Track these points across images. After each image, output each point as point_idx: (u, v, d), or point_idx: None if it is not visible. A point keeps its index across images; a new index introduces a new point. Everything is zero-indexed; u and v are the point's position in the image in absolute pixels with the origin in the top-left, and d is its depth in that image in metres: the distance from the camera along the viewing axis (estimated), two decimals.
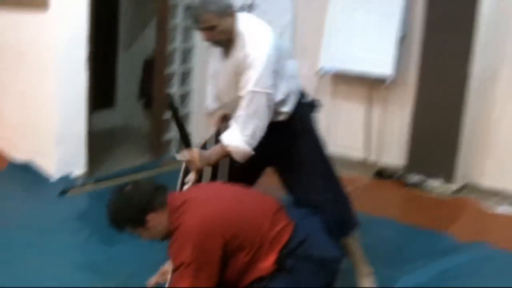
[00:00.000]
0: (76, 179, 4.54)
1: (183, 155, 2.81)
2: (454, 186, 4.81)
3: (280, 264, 2.54)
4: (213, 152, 2.83)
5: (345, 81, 5.41)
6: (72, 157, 4.58)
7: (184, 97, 5.66)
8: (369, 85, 5.18)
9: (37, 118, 4.61)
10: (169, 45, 5.45)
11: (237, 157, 2.77)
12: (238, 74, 2.75)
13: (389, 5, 4.98)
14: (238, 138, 2.73)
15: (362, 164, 5.28)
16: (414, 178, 4.92)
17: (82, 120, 4.60)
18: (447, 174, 4.84)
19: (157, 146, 5.43)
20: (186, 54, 5.63)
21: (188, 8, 5.28)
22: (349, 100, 5.46)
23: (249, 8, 5.52)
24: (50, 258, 3.35)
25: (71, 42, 4.49)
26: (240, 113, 2.73)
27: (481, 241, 3.85)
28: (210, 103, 3.15)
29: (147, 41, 6.07)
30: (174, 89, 5.53)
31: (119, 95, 6.35)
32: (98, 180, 4.56)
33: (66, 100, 4.51)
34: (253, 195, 2.79)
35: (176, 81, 5.56)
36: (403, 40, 5.04)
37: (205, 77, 5.32)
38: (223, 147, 2.77)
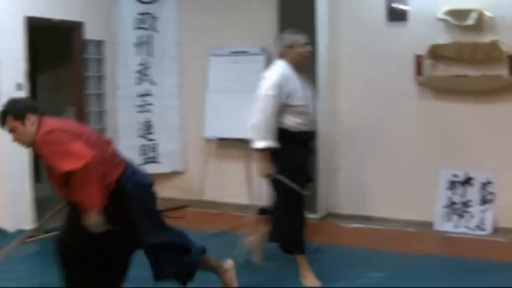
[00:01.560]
0: (28, 231, 5.57)
1: None
2: (318, 215, 6.16)
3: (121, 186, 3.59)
4: None
5: (228, 145, 6.90)
6: (23, 216, 5.72)
7: None
8: (246, 147, 5.63)
9: None
10: None
11: None
12: None
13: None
14: None
15: (248, 206, 6.43)
16: None
17: (29, 188, 5.77)
18: (312, 207, 6.01)
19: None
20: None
21: None
22: (233, 159, 6.88)
23: (145, 69, 6.98)
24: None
25: None
26: None
27: (335, 244, 5.44)
28: (271, 142, 4.29)
29: None
30: None
31: (43, 172, 7.31)
32: (47, 232, 5.66)
33: (15, 174, 5.70)
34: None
35: None
36: None
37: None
38: None
